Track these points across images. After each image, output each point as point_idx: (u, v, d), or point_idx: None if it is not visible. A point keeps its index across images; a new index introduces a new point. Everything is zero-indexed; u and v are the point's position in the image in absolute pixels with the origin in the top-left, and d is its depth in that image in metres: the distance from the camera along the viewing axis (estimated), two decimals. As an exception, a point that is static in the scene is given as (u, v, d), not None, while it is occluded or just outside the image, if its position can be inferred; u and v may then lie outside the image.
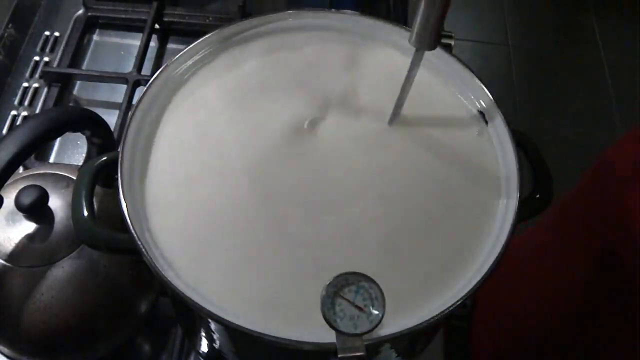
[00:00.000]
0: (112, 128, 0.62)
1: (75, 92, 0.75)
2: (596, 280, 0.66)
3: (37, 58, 0.76)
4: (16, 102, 0.73)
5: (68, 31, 0.78)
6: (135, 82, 0.72)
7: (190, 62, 0.51)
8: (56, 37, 0.78)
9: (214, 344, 0.50)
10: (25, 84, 0.74)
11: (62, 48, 0.76)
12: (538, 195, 0.47)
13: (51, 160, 0.70)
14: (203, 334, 0.50)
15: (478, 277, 0.40)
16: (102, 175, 0.46)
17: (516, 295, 0.82)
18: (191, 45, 0.50)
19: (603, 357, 0.68)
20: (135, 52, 0.75)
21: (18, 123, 0.72)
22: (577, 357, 0.72)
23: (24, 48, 0.77)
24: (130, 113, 0.46)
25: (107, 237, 0.43)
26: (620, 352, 0.65)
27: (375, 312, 0.37)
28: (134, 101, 0.56)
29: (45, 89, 0.73)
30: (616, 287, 0.63)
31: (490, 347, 0.86)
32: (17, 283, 0.49)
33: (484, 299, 0.88)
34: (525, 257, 0.81)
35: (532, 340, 0.77)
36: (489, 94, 0.49)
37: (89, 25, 0.80)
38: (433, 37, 0.43)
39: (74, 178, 0.53)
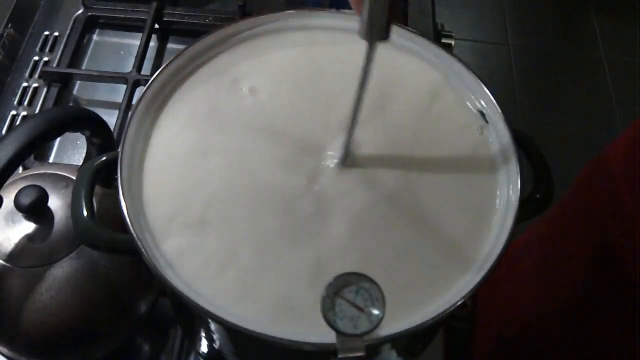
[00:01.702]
0: (111, 128, 0.62)
1: (74, 92, 0.75)
2: (595, 279, 0.66)
3: (36, 58, 0.76)
4: (15, 102, 0.73)
5: (68, 31, 0.78)
6: (135, 82, 0.72)
7: (190, 62, 0.51)
8: (56, 37, 0.78)
9: (213, 344, 0.49)
10: (25, 84, 0.74)
11: (61, 48, 0.76)
12: (538, 196, 0.47)
13: (51, 160, 0.70)
14: (203, 334, 0.50)
15: (478, 278, 0.40)
16: (101, 176, 0.46)
17: (516, 296, 0.82)
18: (191, 45, 0.50)
19: (604, 356, 0.68)
20: (135, 52, 0.75)
21: (17, 123, 0.71)
22: (578, 357, 0.72)
23: (23, 48, 0.77)
24: (130, 113, 0.46)
25: (106, 237, 0.43)
26: (621, 352, 0.65)
27: (376, 312, 0.37)
28: (134, 101, 0.56)
29: (45, 89, 0.73)
30: (615, 285, 0.63)
31: (491, 347, 0.86)
32: (17, 283, 0.49)
33: (484, 300, 0.88)
34: (525, 257, 0.81)
35: (533, 341, 0.77)
36: (489, 93, 0.49)
37: (89, 25, 0.80)
38: (384, 26, 0.40)
39: (74, 178, 0.53)
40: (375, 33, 0.40)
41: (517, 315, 0.81)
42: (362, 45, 0.53)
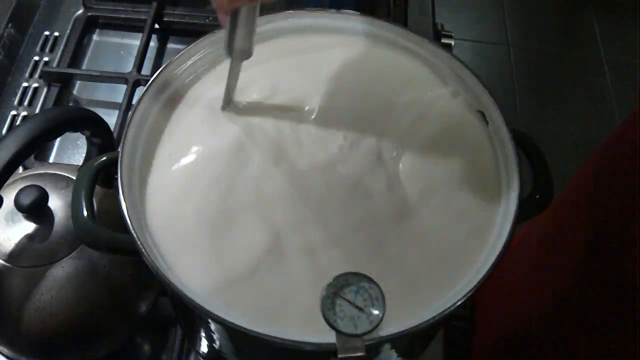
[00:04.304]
0: (112, 128, 0.62)
1: (75, 92, 0.75)
2: (594, 276, 0.65)
3: (36, 58, 0.76)
4: (16, 102, 0.73)
5: (68, 31, 0.78)
6: (135, 82, 0.72)
7: (190, 63, 0.51)
8: (56, 37, 0.78)
9: (213, 344, 0.50)
10: (25, 84, 0.74)
11: (61, 48, 0.76)
12: (538, 196, 0.47)
13: (51, 160, 0.70)
14: (203, 334, 0.50)
15: (478, 278, 0.40)
16: (102, 176, 0.46)
17: (515, 295, 0.82)
18: (191, 46, 0.50)
19: (604, 354, 0.68)
20: (135, 52, 0.75)
21: (18, 123, 0.71)
22: (578, 355, 0.72)
23: (23, 48, 0.77)
24: (130, 113, 0.46)
25: (107, 237, 0.43)
26: (622, 351, 0.65)
27: (376, 312, 0.37)
28: (134, 101, 0.56)
29: (45, 89, 0.73)
30: (615, 282, 0.63)
31: (490, 347, 0.86)
32: (17, 283, 0.49)
33: (484, 299, 0.88)
34: (524, 256, 0.81)
35: (533, 340, 0.77)
36: (489, 93, 0.49)
37: (89, 25, 0.80)
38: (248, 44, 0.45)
39: (74, 178, 0.52)
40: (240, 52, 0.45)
41: (517, 314, 0.81)
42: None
